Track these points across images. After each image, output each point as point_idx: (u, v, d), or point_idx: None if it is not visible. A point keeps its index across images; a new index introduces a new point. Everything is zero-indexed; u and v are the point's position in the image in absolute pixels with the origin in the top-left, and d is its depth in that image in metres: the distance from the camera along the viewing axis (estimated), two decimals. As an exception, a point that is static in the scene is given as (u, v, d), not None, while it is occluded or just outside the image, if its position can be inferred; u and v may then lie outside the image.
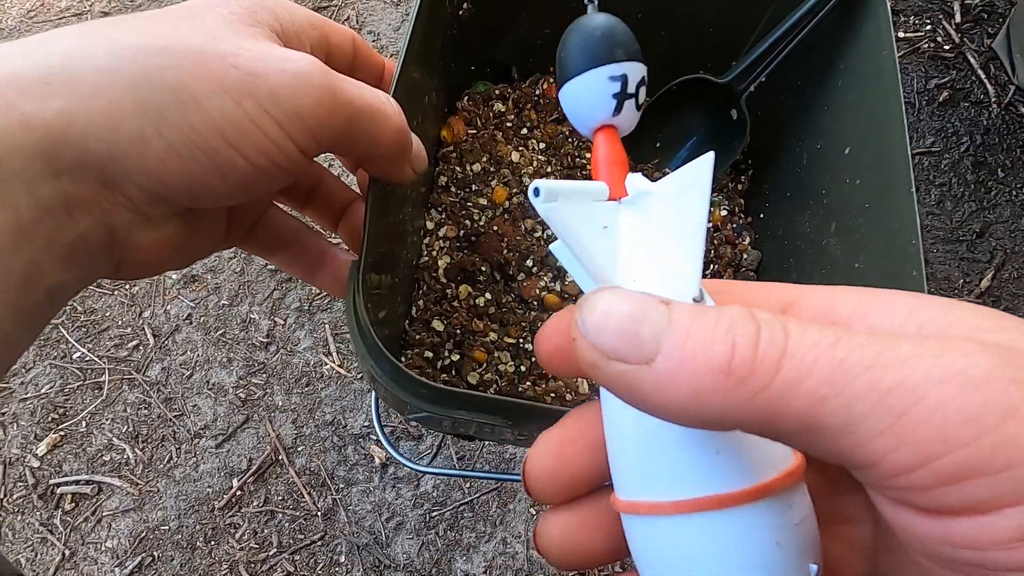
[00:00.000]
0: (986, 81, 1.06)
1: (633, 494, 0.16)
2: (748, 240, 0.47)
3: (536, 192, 0.16)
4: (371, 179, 0.29)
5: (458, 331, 0.41)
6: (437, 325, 0.41)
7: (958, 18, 1.12)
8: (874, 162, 0.36)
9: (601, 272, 0.17)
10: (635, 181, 0.18)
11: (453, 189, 0.46)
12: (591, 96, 0.18)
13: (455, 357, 0.40)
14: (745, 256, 0.47)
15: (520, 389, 0.40)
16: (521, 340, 0.42)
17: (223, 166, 0.21)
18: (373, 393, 0.36)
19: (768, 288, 0.17)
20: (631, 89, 0.18)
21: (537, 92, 0.49)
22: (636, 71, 0.18)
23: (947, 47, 1.09)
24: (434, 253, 0.43)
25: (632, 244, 0.17)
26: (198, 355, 0.89)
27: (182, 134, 0.20)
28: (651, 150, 0.49)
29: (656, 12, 0.46)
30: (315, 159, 0.25)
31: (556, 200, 0.17)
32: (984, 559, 0.11)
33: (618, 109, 0.18)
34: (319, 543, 0.75)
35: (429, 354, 0.40)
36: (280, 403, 0.85)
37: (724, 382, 0.12)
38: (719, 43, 0.46)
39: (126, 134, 0.19)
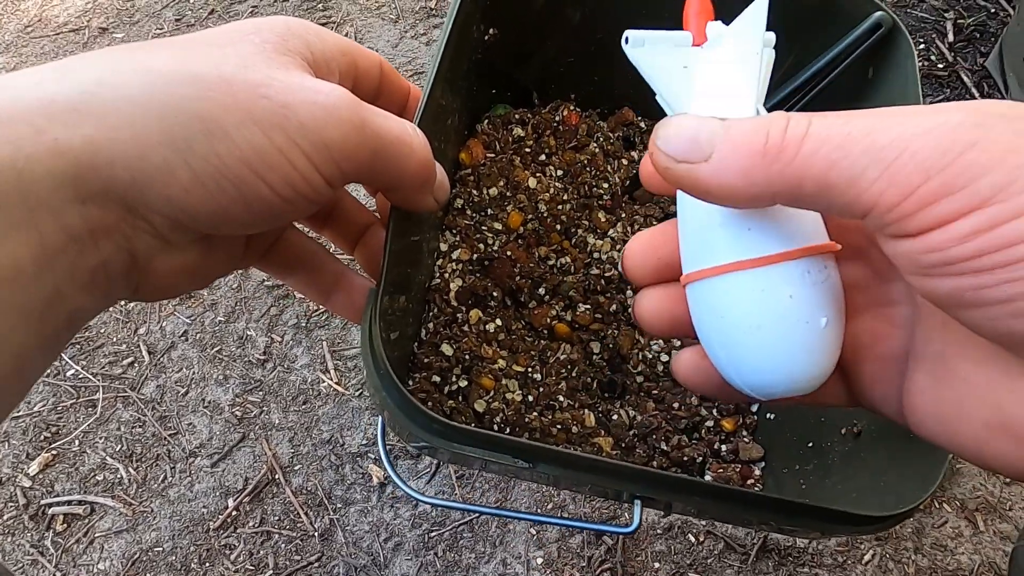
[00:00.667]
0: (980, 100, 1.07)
1: (690, 268, 0.21)
2: None
3: (626, 40, 0.23)
4: (392, 206, 0.29)
5: (467, 356, 0.40)
6: (446, 349, 0.40)
7: (951, 37, 1.13)
8: None
9: (677, 102, 0.23)
10: (714, 27, 0.23)
11: (469, 212, 0.45)
12: None
13: (463, 383, 0.40)
14: None
15: (527, 419, 0.39)
16: (530, 369, 0.41)
17: (249, 196, 0.21)
18: (380, 423, 0.36)
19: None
20: None
21: (557, 118, 0.49)
22: None
23: (941, 66, 1.11)
24: (446, 275, 0.43)
25: (705, 80, 0.22)
26: (194, 372, 0.88)
27: (209, 164, 0.20)
28: None
29: None
30: None
31: (643, 46, 0.23)
32: (946, 257, 0.15)
33: None
34: (316, 565, 0.74)
35: (436, 378, 0.39)
36: (277, 421, 0.84)
37: (761, 160, 0.17)
38: None
39: (152, 163, 0.19)
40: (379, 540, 0.75)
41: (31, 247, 0.18)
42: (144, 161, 0.19)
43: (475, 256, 0.44)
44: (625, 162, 0.49)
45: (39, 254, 0.18)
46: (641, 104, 0.50)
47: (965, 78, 1.09)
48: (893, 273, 0.21)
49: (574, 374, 0.42)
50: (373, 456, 0.80)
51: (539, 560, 0.74)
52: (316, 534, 0.76)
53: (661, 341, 0.44)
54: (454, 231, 0.45)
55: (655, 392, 0.43)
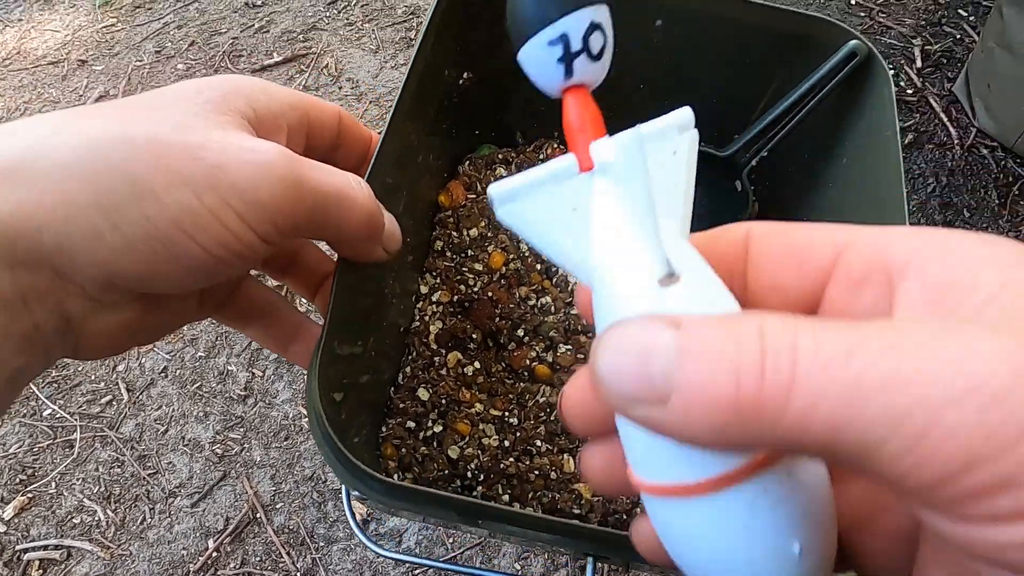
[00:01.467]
0: (948, 124, 1.09)
1: (629, 465, 0.17)
2: None
3: (491, 202, 0.16)
4: (339, 257, 0.28)
5: (443, 400, 0.40)
6: (422, 393, 0.40)
7: (919, 63, 1.16)
8: None
9: (575, 266, 0.17)
10: (601, 148, 0.17)
11: (449, 254, 0.45)
12: (539, 68, 0.17)
13: (437, 428, 0.40)
14: None
15: (502, 465, 0.39)
16: (507, 413, 0.41)
17: (180, 256, 0.21)
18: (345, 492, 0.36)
19: (821, 230, 0.17)
20: (576, 46, 0.17)
21: (541, 157, 0.50)
22: (578, 21, 0.16)
23: (910, 91, 1.13)
24: (426, 318, 0.43)
25: (605, 223, 0.16)
26: (173, 410, 0.87)
27: (138, 227, 0.20)
28: None
29: (659, 84, 0.47)
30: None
31: (515, 201, 0.17)
32: (1007, 560, 0.12)
33: (569, 72, 0.17)
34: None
35: (411, 424, 0.39)
36: (258, 458, 0.83)
37: (736, 417, 0.12)
38: (723, 115, 0.46)
39: (79, 227, 0.19)
40: (362, 579, 0.74)
41: None
42: (70, 225, 0.19)
43: (455, 298, 0.44)
44: None
45: None
46: None
47: (934, 103, 1.11)
48: None
49: (553, 418, 0.41)
50: (355, 493, 0.80)
51: (524, 595, 0.73)
52: (299, 574, 0.75)
53: None
54: (434, 273, 0.44)
55: None
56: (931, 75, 1.15)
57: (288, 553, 0.76)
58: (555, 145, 0.50)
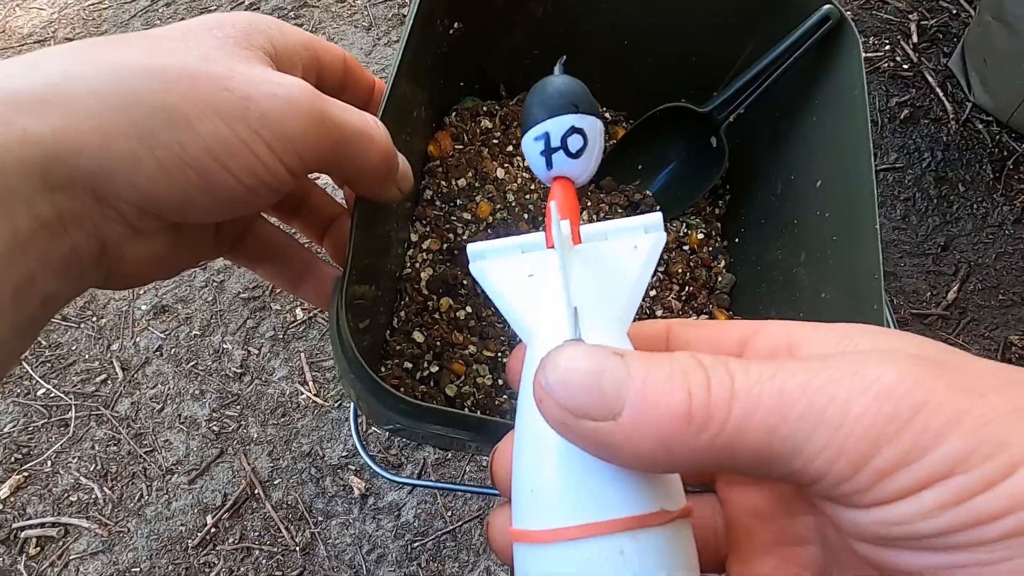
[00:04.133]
0: (944, 99, 1.09)
1: (517, 520, 0.17)
2: (723, 264, 0.49)
3: (468, 255, 0.20)
4: (357, 196, 0.29)
5: (438, 343, 0.41)
6: (417, 336, 0.41)
7: (915, 38, 1.16)
8: (843, 198, 0.38)
9: (518, 323, 0.19)
10: (564, 230, 0.19)
11: (438, 203, 0.46)
12: (530, 156, 0.21)
13: (434, 368, 0.41)
14: (720, 279, 0.48)
15: (497, 402, 0.40)
16: (499, 354, 0.42)
17: (213, 185, 0.21)
18: (352, 408, 0.38)
19: (731, 325, 0.20)
20: (555, 143, 0.20)
21: None
22: (559, 124, 0.20)
23: (906, 66, 1.13)
24: (417, 265, 0.44)
25: (555, 291, 0.18)
26: (169, 388, 0.87)
27: (173, 154, 0.20)
28: (633, 172, 0.51)
29: (642, 41, 0.48)
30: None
31: (484, 259, 0.20)
32: (913, 531, 0.13)
33: (549, 164, 0.20)
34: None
35: (408, 365, 0.40)
36: (255, 435, 0.83)
37: (687, 428, 0.14)
38: (702, 73, 0.48)
39: (117, 153, 0.20)
40: (361, 552, 0.75)
41: (3, 234, 0.18)
42: (109, 151, 0.20)
43: (445, 246, 0.45)
44: None
45: (11, 240, 0.19)
46: (605, 94, 0.51)
47: (929, 78, 1.11)
48: (800, 505, 0.18)
49: None
50: (353, 468, 0.80)
51: (523, 567, 0.74)
52: (297, 548, 0.75)
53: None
54: (424, 222, 0.45)
55: None
56: (927, 50, 1.15)
57: (287, 528, 0.76)
58: None
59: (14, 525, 0.77)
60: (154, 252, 0.23)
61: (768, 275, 0.45)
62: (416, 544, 0.75)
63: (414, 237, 0.45)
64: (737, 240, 0.49)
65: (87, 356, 0.90)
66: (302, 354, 0.88)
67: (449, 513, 0.77)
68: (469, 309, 0.43)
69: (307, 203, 0.32)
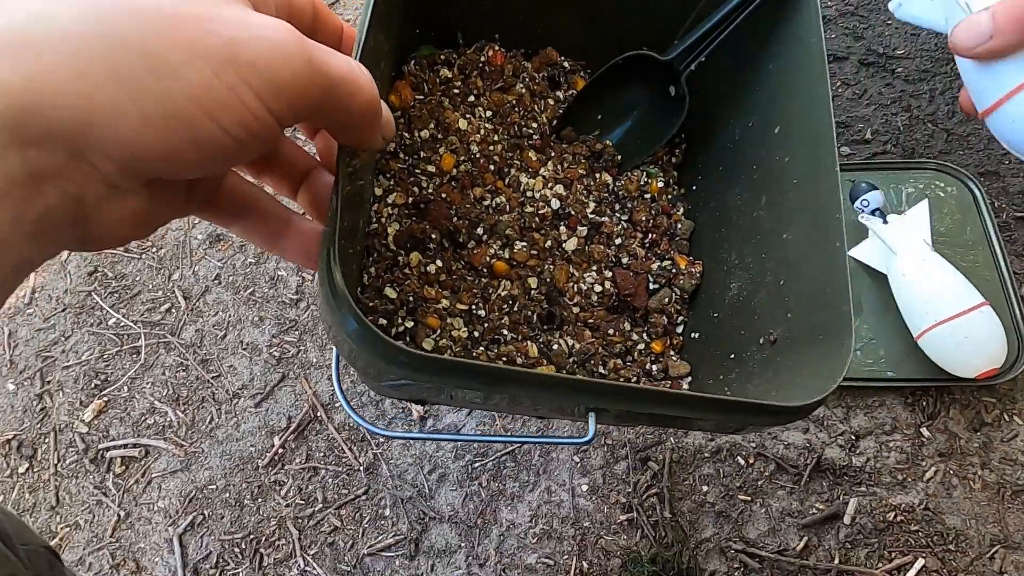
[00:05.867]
0: None
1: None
2: (682, 211, 0.50)
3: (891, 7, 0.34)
4: (340, 145, 0.28)
5: (410, 298, 0.40)
6: (390, 292, 0.40)
7: None
8: (802, 142, 0.39)
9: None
10: None
11: (401, 155, 0.45)
12: None
13: (408, 324, 0.40)
14: (679, 225, 0.49)
15: (474, 354, 0.41)
16: (473, 306, 0.42)
17: (201, 138, 0.20)
18: (335, 357, 0.39)
19: None
20: None
21: (482, 59, 0.49)
22: None
23: None
24: (383, 220, 0.42)
25: None
26: (230, 315, 0.88)
27: (158, 105, 0.19)
28: (593, 123, 0.50)
29: None
30: None
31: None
32: None
33: None
34: (363, 497, 0.75)
35: (383, 321, 0.39)
36: (314, 360, 0.84)
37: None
38: (662, 23, 0.48)
39: (100, 104, 0.18)
40: (423, 472, 0.76)
41: None
42: (91, 101, 0.18)
43: (410, 200, 0.44)
44: (552, 102, 0.50)
45: None
46: (564, 43, 0.51)
47: None
48: None
49: (515, 308, 0.43)
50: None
51: (584, 487, 0.73)
52: (361, 468, 0.77)
53: (594, 273, 0.46)
54: (387, 175, 0.44)
55: (591, 321, 0.45)
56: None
57: (350, 449, 0.78)
58: (495, 48, 0.49)
59: (100, 446, 0.82)
60: (131, 211, 0.22)
61: (728, 220, 0.46)
62: (476, 464, 0.75)
63: (378, 191, 0.43)
64: (695, 188, 0.50)
65: (151, 286, 0.92)
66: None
67: (508, 434, 0.77)
68: (439, 263, 0.42)
69: (278, 157, 0.30)
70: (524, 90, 0.49)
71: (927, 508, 0.69)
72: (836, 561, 0.67)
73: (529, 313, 0.43)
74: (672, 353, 0.46)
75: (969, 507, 0.69)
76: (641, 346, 0.45)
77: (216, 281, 0.91)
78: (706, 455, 0.74)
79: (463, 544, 0.72)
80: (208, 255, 0.93)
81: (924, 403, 0.73)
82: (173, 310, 0.90)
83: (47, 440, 0.83)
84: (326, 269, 0.26)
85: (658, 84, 0.48)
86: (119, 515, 0.78)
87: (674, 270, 0.47)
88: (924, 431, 0.72)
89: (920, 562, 0.66)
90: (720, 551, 0.69)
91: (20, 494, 0.80)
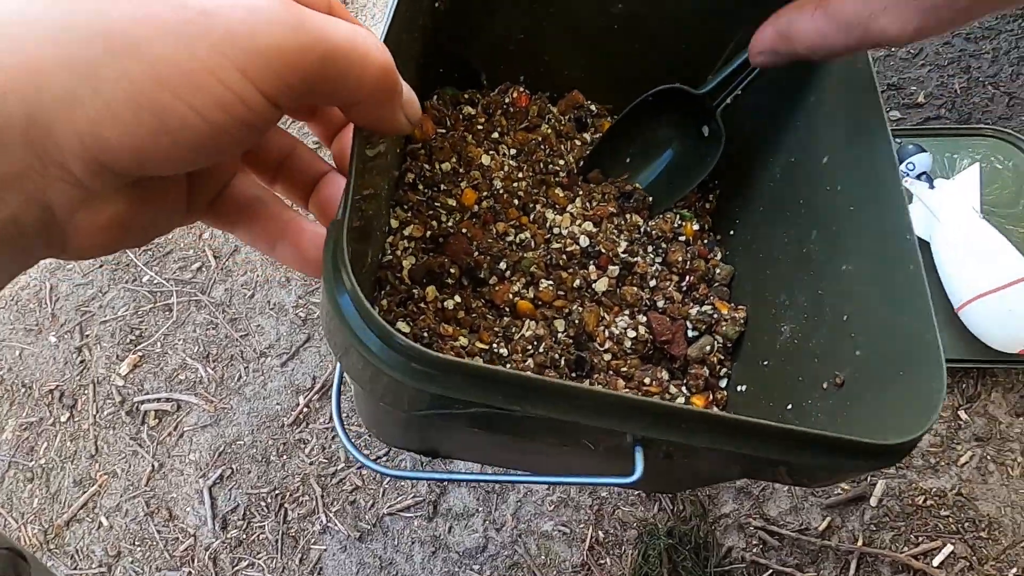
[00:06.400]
0: None
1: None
2: (719, 256, 0.47)
3: None
4: (356, 130, 0.25)
5: (425, 334, 0.38)
6: (403, 327, 0.37)
7: None
8: (856, 167, 0.37)
9: None
10: None
11: (421, 187, 0.43)
12: None
13: None
14: (718, 271, 0.46)
15: None
16: (494, 345, 0.40)
17: (173, 126, 0.17)
18: (336, 385, 0.34)
19: None
20: None
21: (507, 100, 0.48)
22: None
23: None
24: (398, 253, 0.40)
25: None
26: (257, 276, 0.89)
27: (119, 89, 0.17)
28: (622, 164, 0.47)
29: (633, 23, 0.45)
30: (284, 129, 0.23)
31: None
32: None
33: None
34: (384, 459, 0.77)
35: None
36: (339, 322, 0.84)
37: None
38: (694, 59, 0.45)
39: (52, 93, 0.16)
40: (443, 436, 0.76)
41: None
42: (42, 92, 0.16)
43: (428, 233, 0.41)
44: (578, 143, 0.48)
45: None
46: (590, 86, 0.49)
47: None
48: None
49: (540, 350, 0.40)
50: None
51: (603, 457, 0.73)
52: (383, 430, 0.78)
53: (627, 316, 0.43)
54: (405, 207, 0.42)
55: (624, 370, 0.42)
56: None
57: (372, 411, 0.79)
58: (520, 89, 0.48)
59: (135, 399, 0.85)
60: (114, 217, 0.20)
61: (773, 260, 0.43)
62: (496, 431, 0.76)
63: (394, 223, 0.41)
64: (732, 232, 0.47)
65: (182, 245, 0.93)
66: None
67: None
68: (458, 299, 0.40)
69: (290, 162, 0.27)
70: (550, 130, 0.47)
71: (960, 493, 0.66)
72: (860, 543, 0.66)
73: (556, 356, 0.41)
74: (716, 409, 0.42)
75: (1005, 494, 0.66)
76: (680, 400, 0.42)
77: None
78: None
79: (480, 508, 0.73)
80: (237, 215, 0.94)
81: (964, 385, 0.70)
82: (204, 269, 0.91)
83: (87, 392, 0.87)
84: (332, 269, 0.23)
85: (691, 122, 0.45)
86: (153, 465, 0.81)
87: (715, 315, 0.43)
88: (962, 414, 0.69)
89: (948, 548, 0.64)
90: (739, 527, 0.68)
91: (62, 442, 0.84)
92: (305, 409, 0.81)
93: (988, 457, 0.67)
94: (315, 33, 0.19)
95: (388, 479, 0.76)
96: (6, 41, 0.16)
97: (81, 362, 0.89)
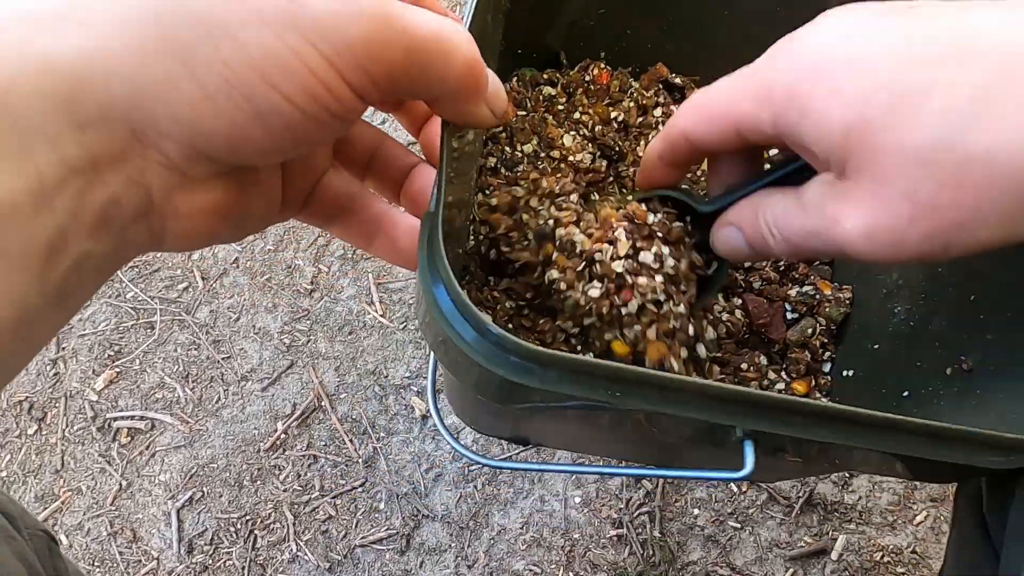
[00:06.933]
0: None
1: None
2: None
3: None
4: (443, 123, 0.25)
5: (507, 323, 0.37)
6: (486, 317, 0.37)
7: None
8: None
9: None
10: None
11: (503, 171, 0.43)
12: None
13: None
14: None
15: None
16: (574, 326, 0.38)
17: (265, 112, 0.18)
18: (430, 382, 0.34)
19: None
20: None
21: (587, 78, 0.47)
22: None
23: None
24: (480, 238, 0.40)
25: None
26: (244, 299, 0.90)
27: (216, 75, 0.17)
28: None
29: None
30: (372, 124, 0.24)
31: None
32: None
33: None
34: (360, 489, 0.77)
35: None
36: (323, 350, 0.85)
37: None
38: (784, 17, 0.41)
39: (153, 75, 0.17)
40: (420, 470, 0.77)
41: (27, 181, 0.16)
42: (144, 74, 0.17)
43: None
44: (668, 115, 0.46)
45: (37, 190, 0.16)
46: (676, 58, 0.47)
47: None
48: None
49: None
50: (416, 388, 0.81)
51: (577, 499, 0.74)
52: (360, 460, 0.78)
53: (720, 298, 0.41)
54: (488, 191, 0.41)
55: (719, 355, 0.40)
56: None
57: (351, 440, 0.79)
58: (600, 66, 0.47)
59: (108, 415, 0.84)
60: (211, 204, 0.20)
61: None
62: (473, 468, 0.76)
63: (478, 211, 0.40)
64: None
65: (170, 264, 0.94)
66: (370, 275, 0.89)
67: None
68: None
69: (380, 157, 0.28)
70: (632, 104, 0.46)
71: (915, 551, 0.69)
72: (820, 595, 0.68)
73: None
74: (819, 396, 0.40)
75: (957, 554, 0.69)
76: (780, 386, 0.39)
77: (234, 264, 0.93)
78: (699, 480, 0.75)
79: (453, 544, 0.73)
80: (229, 238, 0.95)
81: (921, 447, 0.74)
82: (190, 289, 0.92)
83: (57, 405, 0.85)
84: (428, 261, 0.22)
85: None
86: (121, 484, 0.80)
87: (817, 296, 0.41)
88: (918, 475, 0.73)
89: (903, 604, 0.67)
90: (706, 575, 0.70)
91: (27, 455, 0.82)
92: (283, 435, 0.80)
93: (942, 518, 0.71)
94: (400, 27, 0.19)
95: (362, 510, 0.76)
96: (112, 25, 0.17)
97: (55, 375, 0.87)
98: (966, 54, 0.20)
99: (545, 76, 0.47)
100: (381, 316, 0.86)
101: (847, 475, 0.73)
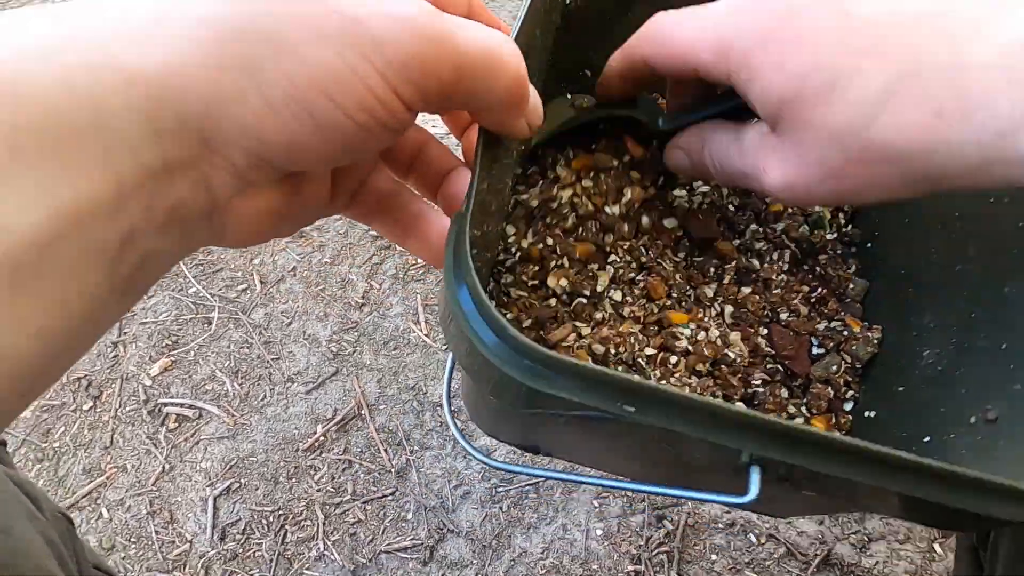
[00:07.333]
0: None
1: None
2: (853, 268, 0.44)
3: None
4: (480, 129, 0.26)
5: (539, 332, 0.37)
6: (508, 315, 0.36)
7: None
8: None
9: None
10: None
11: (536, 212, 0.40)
12: None
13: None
14: (851, 286, 0.42)
15: None
16: (610, 348, 0.37)
17: (323, 124, 0.19)
18: (446, 380, 0.34)
19: None
20: None
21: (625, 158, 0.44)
22: None
23: None
24: (513, 250, 0.39)
25: None
26: (298, 306, 0.95)
27: (279, 89, 0.18)
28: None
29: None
30: (417, 124, 0.24)
31: None
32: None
33: None
34: (390, 498, 0.80)
35: None
36: (368, 362, 0.90)
37: None
38: None
39: (225, 89, 0.18)
40: (449, 486, 0.80)
41: (108, 185, 0.17)
42: (217, 88, 0.18)
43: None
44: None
45: (115, 194, 0.17)
46: None
47: None
48: None
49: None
50: (452, 409, 0.85)
51: (599, 531, 0.76)
52: (393, 470, 0.81)
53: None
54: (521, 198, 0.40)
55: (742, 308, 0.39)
56: None
57: (385, 451, 0.83)
58: (634, 140, 0.43)
59: (159, 400, 0.88)
60: (267, 207, 0.22)
61: (917, 277, 0.40)
62: (500, 489, 0.79)
63: (510, 231, 0.39)
64: (869, 245, 0.44)
65: (232, 266, 1.00)
66: (418, 295, 0.94)
67: (535, 467, 0.80)
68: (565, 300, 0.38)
69: (422, 157, 0.29)
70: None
71: (929, 622, 0.70)
72: (831, 655, 0.69)
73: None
74: (838, 434, 0.37)
75: (971, 630, 0.70)
76: (799, 420, 0.38)
77: (292, 272, 0.98)
78: (720, 526, 0.76)
79: (475, 561, 0.75)
80: (289, 247, 1.01)
81: (940, 519, 0.75)
82: (248, 291, 0.97)
83: (113, 385, 0.90)
84: (452, 260, 0.23)
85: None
86: (164, 467, 0.84)
87: (845, 333, 0.40)
88: (936, 547, 0.74)
89: (914, 674, 0.67)
90: (719, 621, 0.71)
91: (80, 429, 0.87)
92: (322, 438, 0.84)
93: (957, 592, 0.72)
94: (451, 44, 0.20)
95: (390, 517, 0.78)
96: (191, 39, 0.17)
97: (114, 356, 0.93)
98: (889, 47, 0.24)
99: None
100: (425, 335, 0.90)
101: (866, 538, 0.74)
